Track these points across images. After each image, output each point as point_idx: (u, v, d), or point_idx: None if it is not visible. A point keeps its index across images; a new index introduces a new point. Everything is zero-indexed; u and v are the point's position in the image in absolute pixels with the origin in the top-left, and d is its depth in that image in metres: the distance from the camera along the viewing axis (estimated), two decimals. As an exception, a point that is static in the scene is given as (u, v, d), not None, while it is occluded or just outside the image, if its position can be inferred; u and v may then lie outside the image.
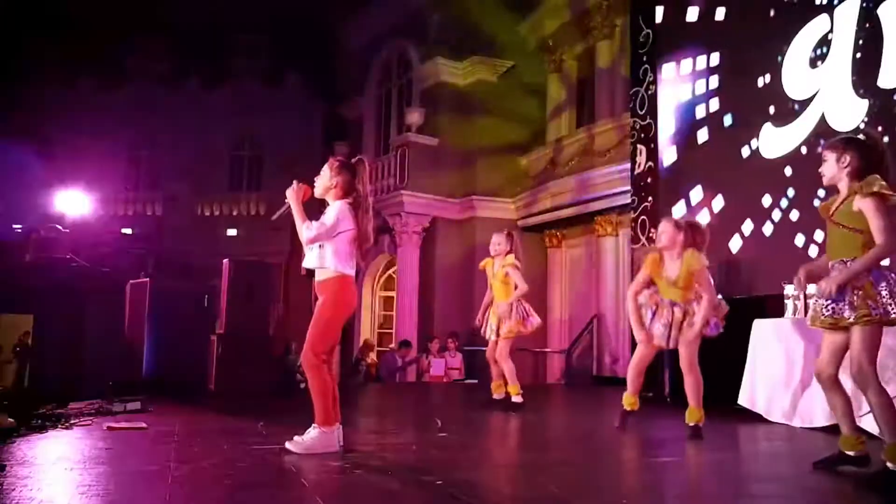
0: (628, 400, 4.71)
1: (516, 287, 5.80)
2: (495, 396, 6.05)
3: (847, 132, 3.42)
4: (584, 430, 5.30)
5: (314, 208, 3.85)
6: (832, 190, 3.31)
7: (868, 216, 2.97)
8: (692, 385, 4.46)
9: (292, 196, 3.63)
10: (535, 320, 5.88)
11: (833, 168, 3.16)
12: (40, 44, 17.18)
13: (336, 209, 3.60)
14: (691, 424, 4.42)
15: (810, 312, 3.26)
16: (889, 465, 2.99)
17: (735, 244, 6.76)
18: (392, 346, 13.97)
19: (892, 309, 2.95)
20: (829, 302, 3.06)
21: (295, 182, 3.66)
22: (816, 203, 5.78)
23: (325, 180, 3.69)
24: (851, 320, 3.00)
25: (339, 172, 3.67)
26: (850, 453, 3.23)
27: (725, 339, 5.48)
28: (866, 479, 2.97)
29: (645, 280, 4.57)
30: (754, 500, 2.92)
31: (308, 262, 3.66)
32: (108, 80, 17.78)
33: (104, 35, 16.94)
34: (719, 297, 4.56)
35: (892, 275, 3.00)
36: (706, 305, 4.36)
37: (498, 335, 5.86)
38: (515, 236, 6.03)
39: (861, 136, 3.23)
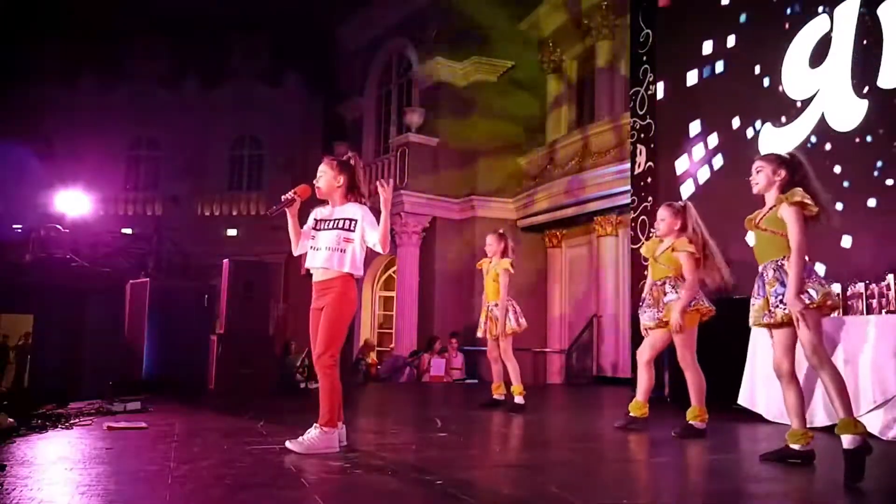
0: (636, 405, 4.75)
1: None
2: (496, 397, 6.07)
3: (782, 152, 3.68)
4: (584, 430, 5.30)
5: (311, 206, 3.86)
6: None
7: (788, 222, 3.37)
8: (691, 382, 4.50)
9: (388, 197, 3.53)
10: (523, 322, 5.96)
11: (766, 180, 3.55)
12: (40, 44, 17.19)
13: (368, 213, 3.63)
14: (688, 421, 4.44)
15: (753, 316, 3.55)
16: (843, 441, 3.07)
17: (735, 245, 6.75)
18: (392, 346, 13.98)
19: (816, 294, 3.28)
20: (777, 302, 3.38)
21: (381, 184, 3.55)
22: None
23: (330, 179, 3.69)
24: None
25: (341, 171, 3.70)
26: (796, 447, 3.50)
27: (725, 339, 5.49)
28: (861, 479, 2.97)
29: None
30: (754, 500, 2.92)
31: (322, 261, 3.62)
32: (108, 79, 17.78)
33: (104, 35, 16.94)
34: (705, 303, 4.59)
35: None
36: (688, 286, 4.49)
37: (491, 334, 5.93)
38: (508, 236, 6.14)
39: (787, 155, 3.59)
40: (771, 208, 3.52)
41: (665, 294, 4.55)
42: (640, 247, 7.73)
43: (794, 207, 3.36)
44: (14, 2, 15.72)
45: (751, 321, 3.59)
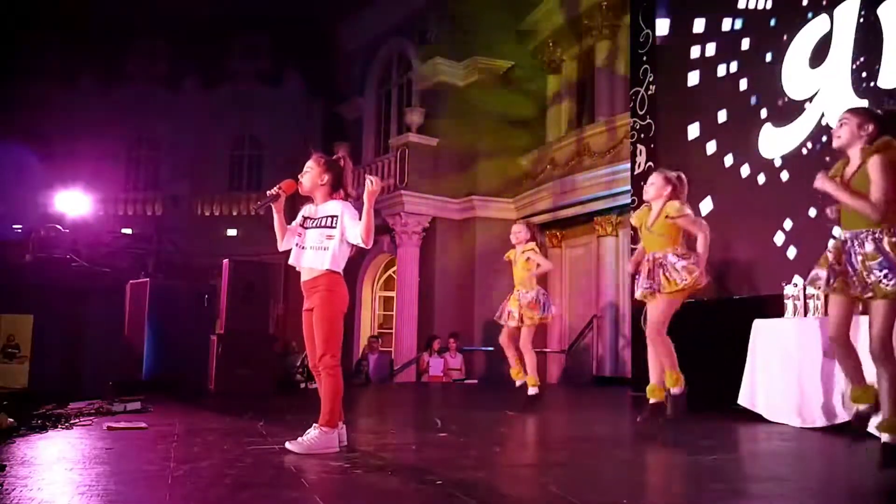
0: (652, 389, 4.61)
1: (539, 267, 5.93)
2: (518, 383, 6.01)
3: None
4: (584, 430, 5.29)
5: (297, 203, 3.86)
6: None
7: (871, 172, 2.97)
8: (662, 352, 4.40)
9: (373, 193, 3.49)
10: (554, 309, 6.05)
11: (850, 133, 3.10)
12: (40, 43, 17.20)
13: (350, 209, 3.61)
14: (669, 391, 4.42)
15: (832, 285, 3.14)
16: (883, 437, 3.00)
17: (735, 244, 6.75)
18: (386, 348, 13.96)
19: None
20: (886, 272, 2.92)
21: (371, 180, 3.47)
22: (814, 206, 5.81)
23: (314, 176, 3.67)
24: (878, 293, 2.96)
25: (327, 169, 3.67)
26: (862, 407, 3.20)
27: (725, 339, 5.48)
28: (862, 475, 2.97)
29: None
30: (754, 500, 2.92)
31: (307, 261, 3.63)
32: (107, 79, 17.78)
33: (104, 34, 16.93)
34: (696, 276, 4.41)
35: None
36: (703, 244, 4.33)
37: (521, 322, 5.89)
38: (536, 228, 6.21)
39: (880, 112, 3.28)
40: (860, 166, 3.06)
41: (676, 269, 4.35)
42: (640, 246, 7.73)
43: (880, 156, 2.93)
44: (14, 2, 15.72)
45: (823, 289, 3.22)
